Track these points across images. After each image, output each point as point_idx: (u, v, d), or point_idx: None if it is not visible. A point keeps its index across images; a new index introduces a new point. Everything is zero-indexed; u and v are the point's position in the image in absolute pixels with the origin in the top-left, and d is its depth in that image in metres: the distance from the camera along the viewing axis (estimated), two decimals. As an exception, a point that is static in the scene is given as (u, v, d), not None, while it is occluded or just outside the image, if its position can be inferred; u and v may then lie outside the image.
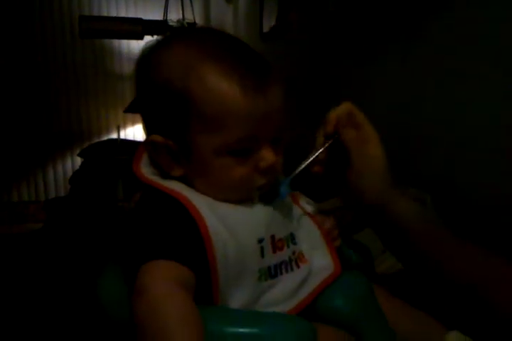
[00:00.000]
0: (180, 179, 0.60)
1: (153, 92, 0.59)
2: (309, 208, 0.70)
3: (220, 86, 0.55)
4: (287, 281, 0.59)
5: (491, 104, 1.19)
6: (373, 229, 0.72)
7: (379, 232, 0.72)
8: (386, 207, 0.68)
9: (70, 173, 3.58)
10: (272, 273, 0.58)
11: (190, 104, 0.55)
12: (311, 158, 0.67)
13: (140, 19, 3.24)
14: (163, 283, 0.49)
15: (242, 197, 0.59)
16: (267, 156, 0.58)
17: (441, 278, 0.65)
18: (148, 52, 0.62)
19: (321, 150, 0.67)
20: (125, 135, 3.84)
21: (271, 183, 0.60)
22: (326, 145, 0.68)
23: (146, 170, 0.62)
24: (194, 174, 0.59)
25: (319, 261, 0.64)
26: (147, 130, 0.63)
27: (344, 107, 0.68)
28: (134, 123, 3.87)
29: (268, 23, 2.73)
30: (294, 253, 0.62)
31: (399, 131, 1.52)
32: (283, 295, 0.58)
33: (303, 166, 0.66)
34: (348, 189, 0.69)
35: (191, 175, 0.59)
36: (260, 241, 0.57)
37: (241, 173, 0.57)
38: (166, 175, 0.61)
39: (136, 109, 0.67)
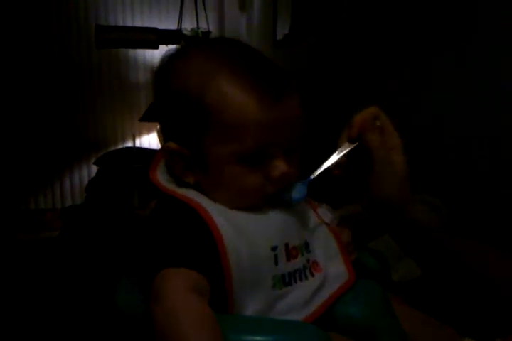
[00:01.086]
0: (195, 187, 0.61)
1: (170, 101, 0.60)
2: (328, 216, 0.69)
3: (237, 96, 0.55)
4: (301, 290, 0.59)
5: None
6: (390, 233, 0.73)
7: (396, 236, 0.72)
8: (404, 211, 0.68)
9: (86, 181, 3.61)
10: (286, 281, 0.58)
11: (206, 113, 0.56)
12: (333, 161, 0.66)
13: (155, 29, 3.27)
14: (180, 290, 0.50)
15: (254, 205, 0.59)
16: (280, 166, 0.58)
17: (457, 271, 0.67)
18: (167, 61, 0.63)
19: (343, 153, 0.67)
20: (140, 143, 3.86)
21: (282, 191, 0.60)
22: (350, 148, 0.67)
23: (162, 178, 0.63)
24: (207, 181, 0.60)
25: (334, 269, 0.64)
26: (164, 137, 0.63)
27: (370, 111, 0.67)
28: (149, 131, 3.89)
29: (281, 30, 2.74)
30: (308, 261, 0.62)
31: (409, 135, 1.51)
32: (297, 303, 0.58)
33: (323, 168, 0.65)
34: (368, 193, 0.69)
35: (204, 183, 0.60)
36: (274, 248, 0.58)
37: (253, 182, 0.58)
38: (181, 183, 0.61)
39: (154, 117, 0.69)
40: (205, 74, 0.57)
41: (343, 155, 0.67)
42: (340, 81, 2.14)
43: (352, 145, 0.67)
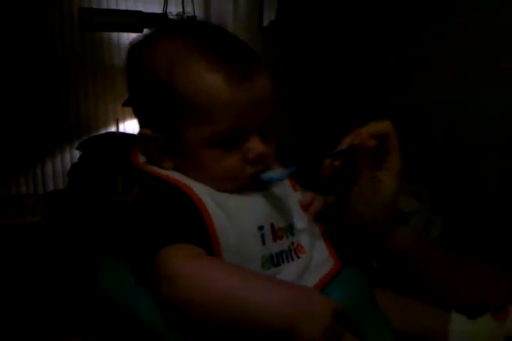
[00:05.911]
0: (176, 169, 0.61)
1: (141, 86, 0.60)
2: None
3: (205, 77, 0.55)
4: (289, 270, 0.59)
5: (490, 98, 1.19)
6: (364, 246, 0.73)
7: (370, 251, 0.73)
8: (382, 237, 0.68)
9: (68, 166, 3.58)
10: (275, 261, 0.58)
11: (176, 96, 0.56)
12: (327, 160, 0.66)
13: (140, 12, 3.22)
14: (190, 258, 0.50)
15: (236, 187, 0.59)
16: (255, 146, 0.58)
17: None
18: (136, 46, 0.62)
19: (335, 158, 0.66)
20: (124, 128, 3.83)
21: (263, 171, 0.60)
22: (338, 155, 0.65)
23: (144, 161, 0.63)
24: (185, 166, 0.60)
25: (319, 254, 0.64)
26: (139, 123, 0.64)
27: (383, 126, 0.65)
28: (133, 116, 3.78)
29: (268, 16, 2.72)
30: (292, 243, 0.62)
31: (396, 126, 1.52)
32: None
33: (311, 163, 0.66)
34: (349, 207, 0.68)
35: (183, 167, 0.60)
36: (261, 228, 0.58)
37: (230, 164, 0.58)
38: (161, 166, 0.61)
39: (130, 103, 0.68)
40: (172, 57, 0.57)
41: (338, 159, 0.66)
42: (326, 67, 2.13)
43: (342, 154, 0.65)
